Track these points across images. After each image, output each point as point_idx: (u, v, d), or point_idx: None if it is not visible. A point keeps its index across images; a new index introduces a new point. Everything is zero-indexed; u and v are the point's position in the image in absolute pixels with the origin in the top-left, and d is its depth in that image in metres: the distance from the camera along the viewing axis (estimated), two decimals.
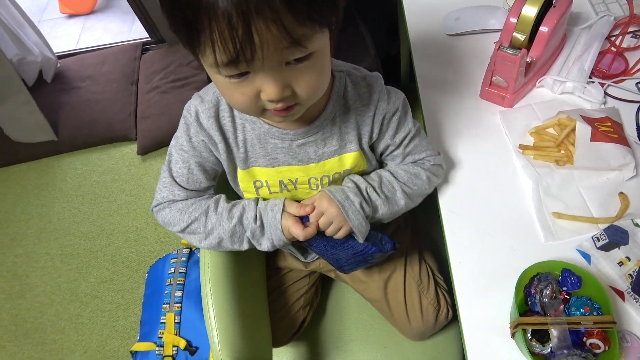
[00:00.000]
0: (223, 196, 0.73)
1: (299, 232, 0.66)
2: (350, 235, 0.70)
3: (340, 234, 0.69)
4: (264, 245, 0.70)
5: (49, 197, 1.89)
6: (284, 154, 0.69)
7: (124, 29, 2.52)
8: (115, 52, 2.31)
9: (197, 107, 0.66)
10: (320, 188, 0.73)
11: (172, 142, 0.71)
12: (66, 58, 2.35)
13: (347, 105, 0.67)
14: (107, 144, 2.01)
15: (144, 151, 1.91)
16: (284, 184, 0.72)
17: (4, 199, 1.91)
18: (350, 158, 0.70)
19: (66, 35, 2.57)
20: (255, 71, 0.49)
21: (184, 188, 0.71)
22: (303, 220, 0.69)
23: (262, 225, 0.69)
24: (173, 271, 1.36)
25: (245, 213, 0.69)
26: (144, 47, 2.32)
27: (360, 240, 0.70)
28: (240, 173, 0.71)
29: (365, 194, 0.70)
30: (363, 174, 0.74)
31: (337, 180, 0.72)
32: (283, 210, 0.68)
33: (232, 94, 0.54)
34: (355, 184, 0.70)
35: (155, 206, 0.73)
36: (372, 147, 0.73)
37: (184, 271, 1.35)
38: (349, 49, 1.41)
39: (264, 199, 0.73)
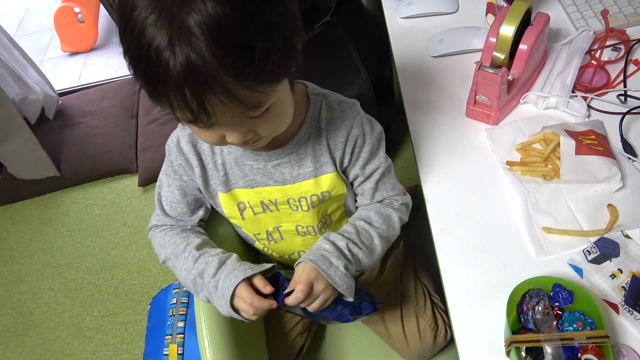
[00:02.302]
0: (195, 242, 0.71)
1: (248, 309, 0.63)
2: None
3: (324, 305, 0.67)
4: (220, 309, 0.67)
5: (52, 233, 1.90)
6: (260, 175, 0.70)
7: (123, 63, 2.50)
8: (115, 87, 2.36)
9: (179, 134, 0.70)
10: (300, 210, 0.73)
11: (162, 169, 0.75)
12: (67, 95, 2.41)
13: (320, 127, 0.69)
14: (109, 177, 2.03)
15: (144, 183, 1.93)
16: (265, 204, 0.73)
17: (8, 236, 1.93)
18: (327, 180, 0.71)
19: (68, 73, 2.63)
20: (217, 124, 0.52)
21: (167, 214, 0.74)
22: (279, 295, 0.66)
23: (216, 287, 0.66)
24: (175, 302, 1.35)
25: (206, 269, 0.68)
26: None
27: (351, 299, 0.68)
28: (222, 197, 0.72)
29: (347, 252, 0.69)
30: (344, 197, 0.75)
31: (315, 202, 0.73)
32: (243, 280, 0.64)
33: (199, 134, 0.58)
34: (334, 244, 0.69)
35: (149, 230, 0.77)
36: (344, 174, 0.74)
37: (186, 301, 1.34)
38: (340, 74, 1.43)
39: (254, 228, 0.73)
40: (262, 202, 0.73)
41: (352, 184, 0.76)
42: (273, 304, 0.65)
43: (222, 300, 0.65)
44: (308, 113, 0.68)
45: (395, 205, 0.76)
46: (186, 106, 0.47)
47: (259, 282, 0.65)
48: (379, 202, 0.77)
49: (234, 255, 0.70)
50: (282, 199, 0.72)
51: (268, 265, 0.67)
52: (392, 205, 0.76)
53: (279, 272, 0.69)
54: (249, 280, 0.65)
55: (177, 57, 0.44)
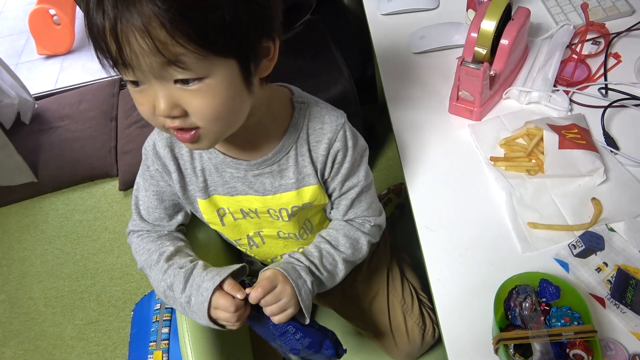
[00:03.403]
0: (168, 251, 0.69)
1: (230, 317, 0.61)
2: (291, 325, 0.65)
3: (283, 317, 0.63)
4: (197, 322, 0.65)
5: (30, 240, 1.85)
6: (241, 183, 0.68)
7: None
8: (93, 90, 2.31)
9: (155, 137, 0.67)
10: (280, 220, 0.72)
11: (139, 171, 0.72)
12: (44, 99, 2.35)
13: (303, 138, 0.66)
14: (89, 182, 1.99)
15: (125, 187, 1.90)
16: (245, 212, 0.71)
17: None
18: (309, 192, 0.69)
19: (45, 76, 2.57)
20: (145, 82, 0.50)
21: (144, 220, 0.72)
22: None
23: (189, 302, 0.64)
24: (159, 307, 1.33)
25: (175, 282, 0.65)
26: (121, 82, 2.32)
27: (307, 320, 0.66)
28: (202, 204, 0.70)
29: (313, 270, 0.67)
30: (324, 208, 0.73)
31: (296, 212, 0.71)
32: (217, 289, 0.61)
33: (136, 103, 0.54)
34: (301, 262, 0.67)
35: (127, 234, 0.76)
36: (324, 185, 0.72)
37: (170, 306, 1.32)
38: (323, 73, 1.42)
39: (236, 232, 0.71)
40: (242, 210, 0.71)
41: (329, 196, 0.74)
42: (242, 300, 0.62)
43: (199, 314, 0.62)
44: (291, 122, 0.65)
45: (366, 228, 0.74)
46: (103, 40, 0.46)
47: (229, 287, 0.62)
48: (350, 220, 0.75)
49: (200, 264, 0.66)
50: (262, 208, 0.70)
51: (237, 266, 0.65)
52: (362, 228, 0.74)
53: (242, 278, 0.67)
54: (220, 287, 0.62)
55: None
